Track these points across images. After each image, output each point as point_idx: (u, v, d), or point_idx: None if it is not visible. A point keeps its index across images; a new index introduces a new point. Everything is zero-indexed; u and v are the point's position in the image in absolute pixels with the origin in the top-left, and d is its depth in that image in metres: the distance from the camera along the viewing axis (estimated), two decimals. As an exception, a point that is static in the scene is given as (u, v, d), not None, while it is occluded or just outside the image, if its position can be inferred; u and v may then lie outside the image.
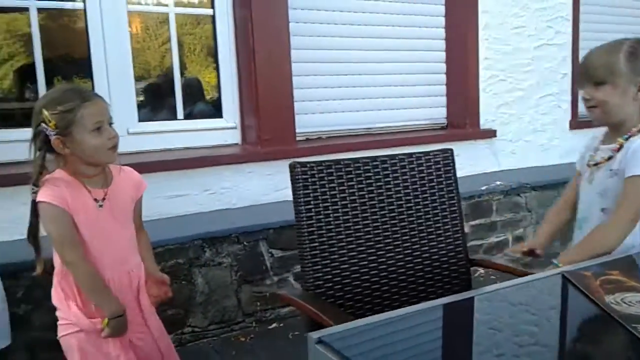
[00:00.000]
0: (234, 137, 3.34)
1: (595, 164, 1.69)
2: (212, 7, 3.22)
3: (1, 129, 2.83)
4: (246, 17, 3.14)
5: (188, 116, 3.30)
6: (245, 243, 2.89)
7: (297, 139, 3.36)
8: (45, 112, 1.60)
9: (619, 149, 1.63)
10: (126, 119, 3.01)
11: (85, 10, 2.90)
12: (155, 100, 3.52)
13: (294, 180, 1.65)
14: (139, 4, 3.18)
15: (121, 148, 2.92)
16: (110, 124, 1.70)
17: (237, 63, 3.27)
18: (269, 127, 3.22)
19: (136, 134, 3.05)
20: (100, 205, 1.68)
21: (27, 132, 2.80)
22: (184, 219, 2.98)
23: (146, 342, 1.81)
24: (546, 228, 1.88)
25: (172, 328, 2.71)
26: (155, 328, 1.85)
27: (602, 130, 1.79)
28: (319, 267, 1.60)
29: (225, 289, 2.85)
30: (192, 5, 3.36)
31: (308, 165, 1.67)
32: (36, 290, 2.34)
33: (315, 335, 0.86)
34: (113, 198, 1.72)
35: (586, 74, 1.66)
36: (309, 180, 1.65)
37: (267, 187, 3.25)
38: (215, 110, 3.58)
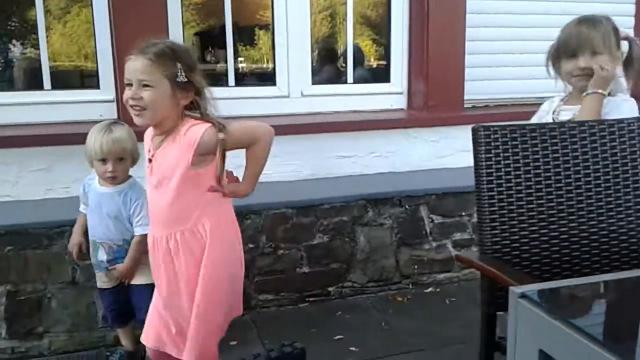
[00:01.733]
0: (400, 102, 3.37)
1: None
2: (387, -25, 3.25)
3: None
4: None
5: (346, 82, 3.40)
6: (406, 206, 2.94)
7: (464, 105, 3.31)
8: None
9: None
10: (301, 82, 3.17)
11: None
12: (322, 65, 3.67)
13: (476, 144, 1.64)
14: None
15: (295, 109, 3.16)
16: (147, 86, 1.62)
17: (409, 29, 3.27)
18: (436, 93, 3.21)
19: (310, 96, 3.20)
20: (150, 160, 1.74)
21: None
22: (350, 179, 3.10)
23: (177, 306, 1.81)
24: None
25: (334, 281, 2.88)
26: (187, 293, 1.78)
27: (557, 97, 1.97)
28: (498, 231, 1.59)
29: (384, 249, 2.94)
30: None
31: (492, 129, 1.65)
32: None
33: (518, 290, 0.88)
34: (156, 162, 1.72)
35: (584, 44, 1.80)
36: (492, 144, 1.64)
37: (430, 153, 3.25)
38: (374, 75, 3.64)
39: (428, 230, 2.98)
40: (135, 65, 1.63)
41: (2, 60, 3.14)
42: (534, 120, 2.02)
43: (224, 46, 3.17)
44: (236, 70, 3.19)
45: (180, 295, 1.79)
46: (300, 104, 3.18)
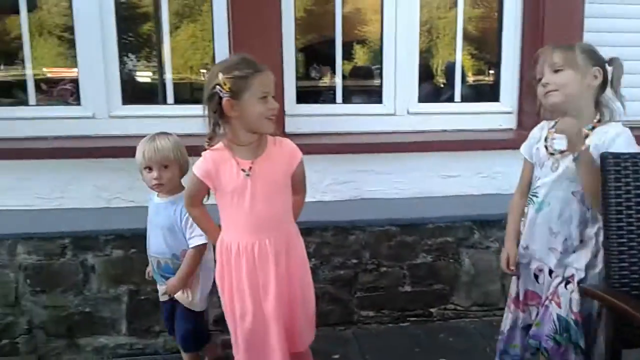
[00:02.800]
0: (510, 121, 3.28)
1: (561, 152, 1.77)
2: (501, -8, 3.19)
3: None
4: (537, 2, 3.05)
5: (449, 99, 3.35)
6: (514, 230, 2.85)
7: (580, 127, 3.16)
8: (222, 76, 1.72)
9: (584, 138, 1.71)
10: (407, 99, 3.18)
11: (382, -3, 3.10)
12: (422, 82, 3.65)
13: (605, 172, 1.58)
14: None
15: (401, 127, 3.17)
16: (273, 96, 1.78)
17: (521, 46, 3.20)
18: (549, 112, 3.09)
19: (415, 114, 3.19)
20: (248, 175, 1.78)
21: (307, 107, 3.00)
22: (456, 199, 3.05)
23: (274, 307, 1.84)
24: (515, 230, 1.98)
25: (436, 302, 2.84)
26: (282, 295, 1.85)
27: (545, 124, 1.93)
28: (626, 264, 1.52)
29: (490, 273, 2.86)
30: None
31: (621, 157, 1.59)
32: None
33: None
34: (261, 169, 1.80)
35: (545, 62, 1.78)
36: (622, 172, 1.57)
37: (540, 175, 3.14)
38: (476, 92, 3.56)
39: (536, 256, 2.87)
40: (271, 79, 1.78)
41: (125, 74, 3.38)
42: (524, 149, 2.00)
43: (326, 62, 3.22)
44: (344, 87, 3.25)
45: (285, 293, 1.86)
46: (405, 122, 3.19)
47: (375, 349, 2.55)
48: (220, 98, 1.72)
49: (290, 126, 2.95)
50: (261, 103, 1.74)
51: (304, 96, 3.19)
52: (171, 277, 2.16)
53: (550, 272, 1.85)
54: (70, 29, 2.91)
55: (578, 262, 1.77)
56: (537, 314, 1.88)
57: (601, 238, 1.69)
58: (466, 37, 3.26)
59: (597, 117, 1.78)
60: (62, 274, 2.54)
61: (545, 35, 3.03)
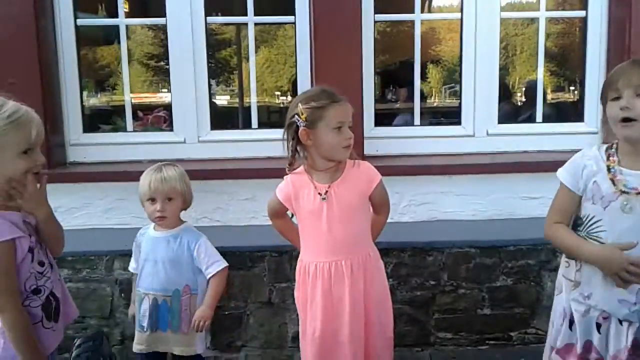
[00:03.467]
0: (594, 142, 3.18)
1: (638, 193, 1.56)
2: (585, 8, 3.12)
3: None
4: (623, 17, 2.96)
5: (528, 118, 3.28)
6: (600, 254, 2.75)
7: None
8: (300, 106, 1.84)
9: None
10: (487, 121, 3.16)
11: (462, 16, 3.12)
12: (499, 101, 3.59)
13: None
14: (512, 10, 3.28)
15: (480, 148, 3.15)
16: (350, 126, 1.85)
17: (606, 65, 3.11)
18: (637, 133, 2.98)
19: (495, 135, 3.17)
20: (324, 199, 1.86)
21: (385, 130, 3.09)
22: (537, 222, 2.96)
23: (348, 329, 1.87)
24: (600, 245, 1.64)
25: (516, 326, 2.79)
26: (357, 317, 1.87)
27: (598, 148, 1.70)
28: None
29: (574, 297, 2.77)
30: (563, 8, 3.31)
31: None
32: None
33: None
34: (337, 192, 1.87)
35: (627, 81, 1.54)
36: None
37: (629, 197, 3.02)
38: (557, 111, 3.46)
39: (625, 281, 2.76)
40: (347, 110, 1.86)
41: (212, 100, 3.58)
42: (566, 177, 1.74)
43: (400, 84, 3.27)
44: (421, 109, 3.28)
45: (361, 316, 1.89)
46: (485, 143, 3.17)
47: (453, 371, 2.54)
48: (298, 127, 1.84)
49: (369, 149, 3.02)
50: (335, 133, 1.83)
51: (381, 119, 3.26)
52: (157, 324, 2.08)
53: (620, 321, 1.63)
54: (156, 56, 3.14)
55: None
56: None
57: None
58: (546, 53, 3.21)
59: None
60: (154, 288, 2.72)
61: (632, 49, 2.94)
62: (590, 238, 1.66)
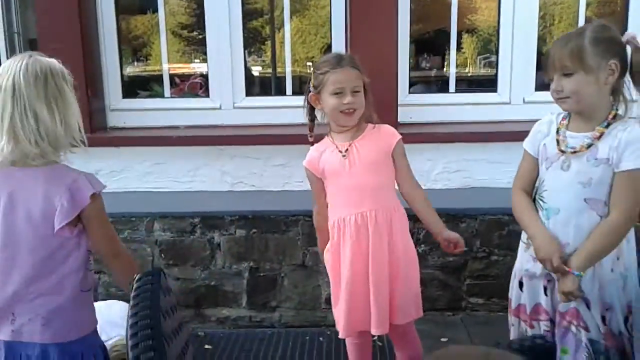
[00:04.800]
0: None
1: (574, 152, 1.64)
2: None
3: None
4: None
5: None
6: None
7: None
8: (312, 73, 1.95)
9: (599, 137, 1.61)
10: (523, 88, 3.13)
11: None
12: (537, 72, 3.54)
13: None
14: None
15: (515, 116, 3.12)
16: (356, 92, 1.88)
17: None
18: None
19: (531, 102, 3.12)
20: (344, 156, 1.91)
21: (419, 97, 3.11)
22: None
23: (373, 277, 1.90)
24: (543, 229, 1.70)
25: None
26: (381, 266, 1.90)
27: (556, 114, 1.74)
28: None
29: None
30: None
31: None
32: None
33: None
34: (358, 149, 1.92)
35: (554, 64, 1.62)
36: None
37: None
38: None
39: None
40: (348, 76, 1.89)
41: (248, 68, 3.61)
42: (529, 144, 1.80)
43: (435, 52, 3.23)
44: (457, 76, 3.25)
45: (384, 264, 1.92)
46: (521, 111, 3.13)
47: (483, 334, 2.57)
48: (309, 92, 1.97)
49: (403, 116, 3.02)
50: (334, 98, 1.89)
51: (414, 86, 3.24)
52: None
53: None
54: (189, 26, 3.17)
55: (591, 277, 1.64)
56: (553, 335, 1.73)
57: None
58: (586, 23, 3.13)
59: (613, 110, 1.62)
60: (192, 249, 2.81)
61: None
62: (539, 200, 1.74)
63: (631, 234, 1.68)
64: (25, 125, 1.47)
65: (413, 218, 2.05)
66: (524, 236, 1.84)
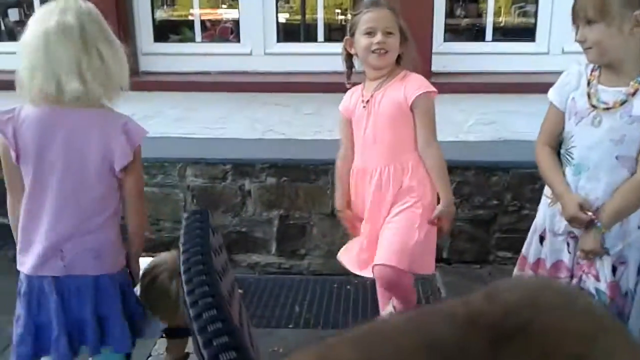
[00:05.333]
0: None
1: (607, 108, 1.57)
2: None
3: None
4: None
5: None
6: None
7: None
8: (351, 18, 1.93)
9: (634, 93, 1.54)
10: (563, 38, 3.01)
11: None
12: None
13: None
14: None
15: (554, 66, 3.02)
16: (389, 32, 1.82)
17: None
18: None
19: (571, 53, 2.99)
20: (364, 107, 1.90)
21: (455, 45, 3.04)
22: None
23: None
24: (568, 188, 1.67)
25: (579, 248, 2.77)
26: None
27: (584, 65, 1.66)
28: None
29: None
30: None
31: None
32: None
33: None
34: (378, 101, 1.87)
35: (577, 13, 1.58)
36: None
37: None
38: None
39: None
40: (381, 16, 1.85)
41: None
42: (555, 95, 1.72)
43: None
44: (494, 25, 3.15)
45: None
46: (560, 61, 3.03)
47: (510, 288, 2.58)
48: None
49: (437, 65, 2.95)
50: (365, 37, 1.85)
51: (448, 34, 3.15)
52: None
53: None
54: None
55: (617, 233, 1.62)
56: None
57: None
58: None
59: None
60: (223, 196, 2.84)
61: None
62: (567, 155, 1.69)
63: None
64: (92, 65, 1.47)
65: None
66: (547, 191, 1.80)
